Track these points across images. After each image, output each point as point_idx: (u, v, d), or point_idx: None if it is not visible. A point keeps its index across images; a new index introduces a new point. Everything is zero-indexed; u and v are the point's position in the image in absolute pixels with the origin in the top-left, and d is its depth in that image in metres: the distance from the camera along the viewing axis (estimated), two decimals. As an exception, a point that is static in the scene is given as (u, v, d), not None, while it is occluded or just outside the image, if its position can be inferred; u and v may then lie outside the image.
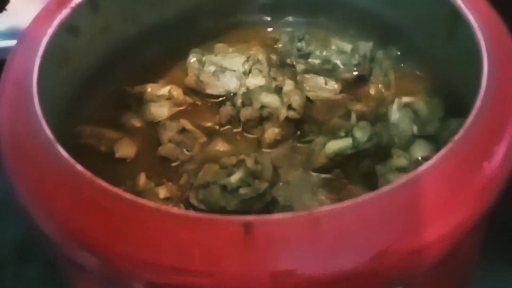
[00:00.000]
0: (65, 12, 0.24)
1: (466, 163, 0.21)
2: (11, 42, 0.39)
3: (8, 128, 0.24)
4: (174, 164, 0.31)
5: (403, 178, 0.20)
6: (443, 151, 0.21)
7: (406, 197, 0.20)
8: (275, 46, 0.37)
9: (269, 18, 0.38)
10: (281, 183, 0.30)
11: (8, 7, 0.39)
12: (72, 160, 0.20)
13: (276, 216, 0.17)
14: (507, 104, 0.23)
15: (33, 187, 0.19)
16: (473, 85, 0.23)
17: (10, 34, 0.39)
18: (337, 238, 0.16)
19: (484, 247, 0.28)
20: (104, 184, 0.19)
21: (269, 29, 0.38)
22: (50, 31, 0.24)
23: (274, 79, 0.33)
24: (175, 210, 0.18)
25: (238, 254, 0.16)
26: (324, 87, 0.34)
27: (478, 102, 0.22)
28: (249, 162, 0.28)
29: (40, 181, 0.19)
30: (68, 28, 0.26)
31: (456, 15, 0.25)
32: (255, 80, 0.32)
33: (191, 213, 0.19)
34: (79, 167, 0.20)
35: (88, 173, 0.19)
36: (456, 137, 0.22)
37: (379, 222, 0.19)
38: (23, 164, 0.20)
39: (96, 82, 0.33)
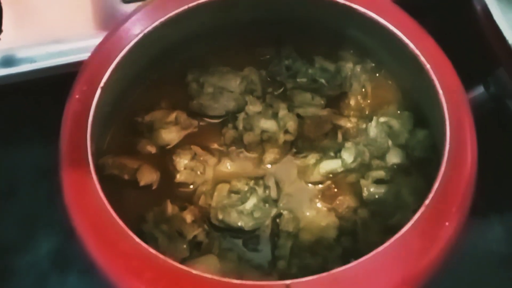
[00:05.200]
0: (98, 92, 0.28)
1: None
2: (5, 71, 0.41)
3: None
4: (191, 187, 0.37)
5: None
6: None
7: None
8: (262, 58, 0.41)
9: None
10: (284, 197, 0.36)
11: (1, 36, 0.40)
12: (145, 245, 0.24)
13: (309, 278, 0.23)
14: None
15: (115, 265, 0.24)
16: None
17: (3, 63, 0.40)
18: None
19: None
20: (176, 264, 0.24)
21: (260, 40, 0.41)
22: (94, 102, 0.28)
23: (271, 106, 0.37)
24: (229, 280, 0.24)
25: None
26: (311, 102, 0.39)
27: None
28: (260, 191, 0.34)
29: (122, 260, 0.24)
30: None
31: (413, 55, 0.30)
32: (254, 108, 0.37)
33: (242, 282, 0.25)
34: (152, 250, 0.25)
35: (162, 256, 0.24)
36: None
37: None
38: (104, 249, 0.25)
39: (111, 116, 0.36)
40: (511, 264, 0.42)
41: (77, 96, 0.29)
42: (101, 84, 0.29)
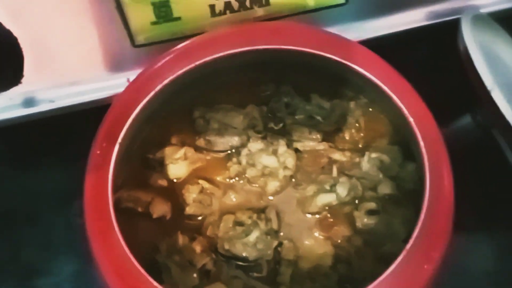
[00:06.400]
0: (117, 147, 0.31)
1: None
2: (27, 111, 0.44)
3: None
4: (199, 218, 0.40)
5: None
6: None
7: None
8: (263, 94, 0.44)
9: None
10: (284, 227, 0.39)
11: (22, 80, 0.43)
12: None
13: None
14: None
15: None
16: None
17: (25, 103, 0.44)
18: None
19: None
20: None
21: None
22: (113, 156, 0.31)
23: (271, 143, 0.40)
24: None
25: None
26: (309, 137, 0.42)
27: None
28: (262, 225, 0.37)
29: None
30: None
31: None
32: (256, 145, 0.40)
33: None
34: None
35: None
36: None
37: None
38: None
39: (125, 155, 0.40)
40: (499, 282, 0.45)
41: (98, 152, 0.32)
42: (119, 140, 0.32)
